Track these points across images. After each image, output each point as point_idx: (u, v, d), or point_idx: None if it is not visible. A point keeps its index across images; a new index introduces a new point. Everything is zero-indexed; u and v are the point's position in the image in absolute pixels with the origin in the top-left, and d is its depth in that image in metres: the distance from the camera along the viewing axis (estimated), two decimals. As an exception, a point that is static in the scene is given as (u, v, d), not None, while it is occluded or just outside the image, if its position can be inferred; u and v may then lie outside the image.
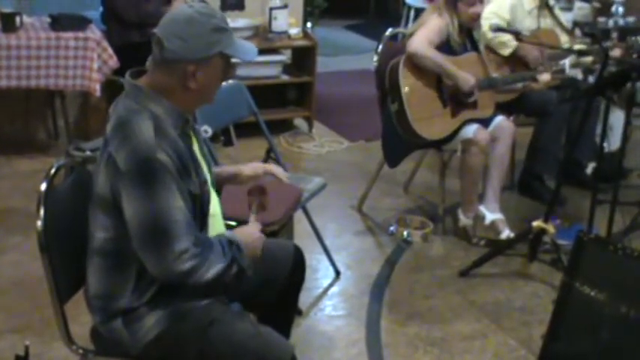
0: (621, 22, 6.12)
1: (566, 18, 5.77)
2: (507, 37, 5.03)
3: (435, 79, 4.71)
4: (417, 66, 4.63)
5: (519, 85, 5.07)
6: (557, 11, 5.47)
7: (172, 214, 2.41)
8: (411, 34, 4.71)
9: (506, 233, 4.82)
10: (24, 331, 3.79)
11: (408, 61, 4.64)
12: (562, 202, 5.22)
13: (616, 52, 4.98)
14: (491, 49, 5.14)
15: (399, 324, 4.06)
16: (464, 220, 4.91)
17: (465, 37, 4.82)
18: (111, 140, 2.47)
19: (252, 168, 3.05)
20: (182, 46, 2.47)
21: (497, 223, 4.86)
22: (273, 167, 3.12)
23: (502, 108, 5.10)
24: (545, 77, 4.98)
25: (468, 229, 4.91)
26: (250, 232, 2.73)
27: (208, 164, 2.78)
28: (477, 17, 4.73)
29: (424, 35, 4.63)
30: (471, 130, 4.72)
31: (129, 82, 2.57)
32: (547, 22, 5.39)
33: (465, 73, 4.67)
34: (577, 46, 5.28)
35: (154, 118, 2.48)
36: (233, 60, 2.62)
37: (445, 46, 4.70)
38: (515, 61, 5.20)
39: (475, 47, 4.88)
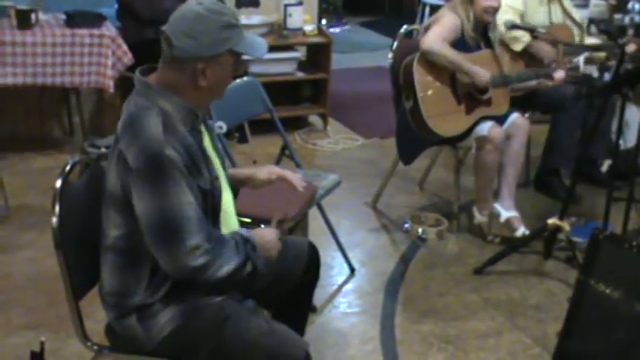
0: (637, 18, 6.09)
1: (581, 15, 5.74)
2: (520, 33, 5.01)
3: (449, 76, 4.70)
4: (432, 63, 4.62)
5: (534, 82, 5.04)
6: (566, 3, 5.43)
7: (183, 210, 2.41)
8: (427, 28, 4.71)
9: (521, 231, 4.80)
10: (39, 328, 3.81)
11: (422, 58, 4.63)
12: (576, 199, 5.21)
13: (631, 47, 4.94)
14: (504, 44, 5.13)
15: (413, 321, 4.06)
16: (479, 217, 4.90)
17: (480, 35, 4.81)
18: (121, 137, 2.48)
19: (267, 172, 3.02)
20: (191, 44, 2.46)
21: (513, 220, 4.85)
22: (287, 173, 3.07)
23: (516, 105, 5.08)
24: (559, 75, 4.95)
25: (483, 226, 4.90)
26: (266, 234, 2.72)
27: (221, 160, 2.78)
28: (491, 11, 4.69)
29: (438, 32, 4.62)
30: (485, 128, 4.71)
31: (139, 79, 2.57)
32: (558, 15, 5.37)
33: (479, 68, 4.65)
34: (590, 41, 5.26)
35: (163, 114, 2.48)
36: (244, 57, 2.61)
37: (460, 43, 4.68)
38: (529, 56, 5.19)
39: (490, 46, 4.86)
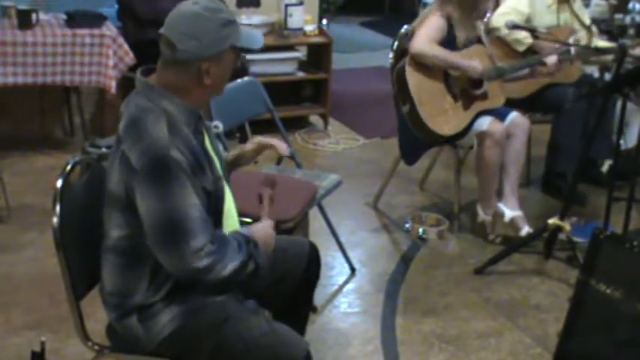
0: (638, 18, 6.09)
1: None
2: (523, 35, 5.01)
3: (442, 74, 4.70)
4: (423, 65, 4.63)
5: (527, 71, 5.01)
6: (576, 7, 5.42)
7: (188, 211, 2.41)
8: (413, 31, 4.72)
9: (525, 230, 4.78)
10: (40, 328, 3.81)
11: (413, 61, 4.64)
12: (582, 202, 5.23)
13: (637, 51, 4.89)
14: (504, 42, 5.12)
15: (414, 321, 4.06)
16: (482, 215, 4.89)
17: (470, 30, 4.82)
18: (124, 138, 2.47)
19: (252, 143, 3.06)
20: (195, 45, 2.46)
21: (517, 220, 4.83)
22: (273, 140, 3.10)
23: (517, 105, 5.07)
24: (552, 59, 4.94)
25: (487, 224, 4.89)
26: (264, 229, 2.73)
27: (220, 160, 2.77)
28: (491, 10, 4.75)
29: (425, 34, 4.64)
30: (485, 123, 4.71)
31: (140, 79, 2.57)
32: (567, 18, 5.35)
33: (470, 60, 4.66)
34: (600, 44, 5.25)
35: (168, 116, 2.48)
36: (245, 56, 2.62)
37: (447, 42, 4.69)
38: (531, 55, 5.16)
39: (478, 39, 4.86)
